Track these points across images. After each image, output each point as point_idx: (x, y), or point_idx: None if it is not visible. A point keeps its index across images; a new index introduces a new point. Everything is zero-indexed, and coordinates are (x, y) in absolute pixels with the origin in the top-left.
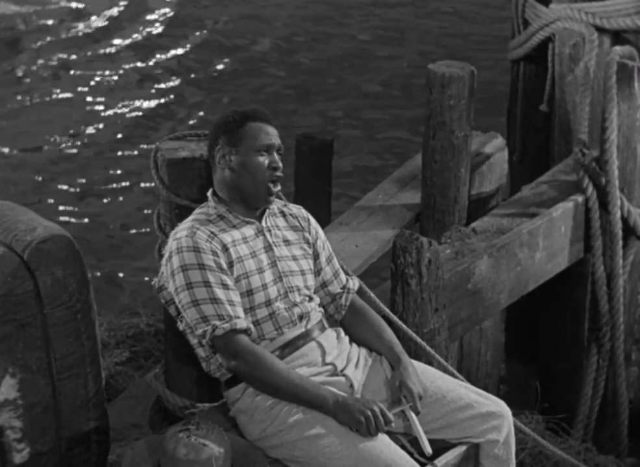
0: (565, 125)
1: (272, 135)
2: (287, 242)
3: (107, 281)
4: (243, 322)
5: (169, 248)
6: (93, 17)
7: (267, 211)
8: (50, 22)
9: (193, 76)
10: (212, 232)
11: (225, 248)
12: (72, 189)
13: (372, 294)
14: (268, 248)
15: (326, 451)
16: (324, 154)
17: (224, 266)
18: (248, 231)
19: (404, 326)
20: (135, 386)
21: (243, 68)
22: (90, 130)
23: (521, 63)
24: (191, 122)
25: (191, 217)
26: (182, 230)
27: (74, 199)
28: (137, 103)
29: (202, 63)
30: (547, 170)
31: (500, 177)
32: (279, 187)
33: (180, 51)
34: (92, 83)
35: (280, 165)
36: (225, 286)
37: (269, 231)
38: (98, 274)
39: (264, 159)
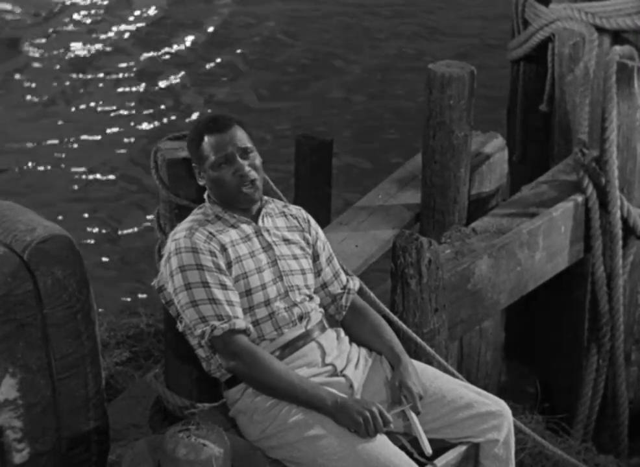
0: (565, 125)
1: (228, 143)
2: (287, 241)
3: (107, 281)
4: (241, 322)
5: (167, 248)
6: (94, 16)
7: (263, 210)
8: (49, 21)
9: (192, 76)
10: (210, 233)
11: (224, 249)
12: (70, 189)
13: (372, 294)
14: (267, 247)
15: (325, 452)
16: (324, 154)
17: (223, 266)
18: (247, 230)
19: (404, 326)
20: (135, 386)
21: (242, 67)
22: (89, 129)
23: (521, 63)
24: (190, 121)
25: (189, 218)
26: (180, 231)
27: (73, 198)
28: (138, 102)
29: (200, 62)
30: (547, 170)
31: (500, 177)
32: (258, 187)
33: (180, 51)
34: (92, 83)
35: (247, 168)
36: (224, 286)
37: (267, 231)
38: (98, 274)
39: (226, 172)
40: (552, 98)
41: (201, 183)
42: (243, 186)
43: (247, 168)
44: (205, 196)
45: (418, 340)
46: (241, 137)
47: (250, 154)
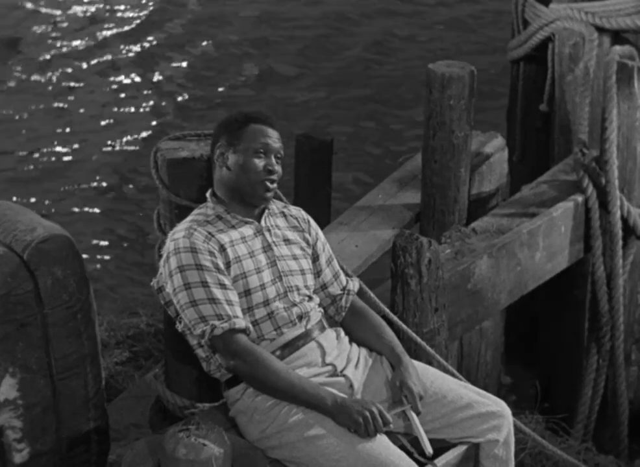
0: (565, 125)
1: (272, 137)
2: (287, 241)
3: (107, 281)
4: (241, 322)
5: (166, 248)
6: (95, 16)
7: (267, 211)
8: (50, 21)
9: (192, 78)
10: (209, 233)
11: (222, 249)
12: (71, 189)
13: (372, 295)
14: (267, 247)
15: (325, 452)
16: (324, 154)
17: (222, 266)
18: (247, 231)
19: (404, 326)
20: (135, 386)
21: (243, 67)
22: (90, 129)
23: (521, 63)
24: (191, 124)
25: (189, 218)
26: (179, 231)
27: (73, 198)
28: (138, 102)
29: (202, 66)
30: (547, 170)
31: (500, 177)
32: (274, 190)
33: (181, 53)
34: (93, 83)
35: (277, 168)
36: (223, 286)
37: (269, 230)
38: (98, 274)
39: (260, 161)
40: (552, 98)
41: (218, 164)
42: (267, 178)
43: (278, 168)
44: (208, 194)
45: (418, 340)
46: (281, 142)
47: (279, 161)
